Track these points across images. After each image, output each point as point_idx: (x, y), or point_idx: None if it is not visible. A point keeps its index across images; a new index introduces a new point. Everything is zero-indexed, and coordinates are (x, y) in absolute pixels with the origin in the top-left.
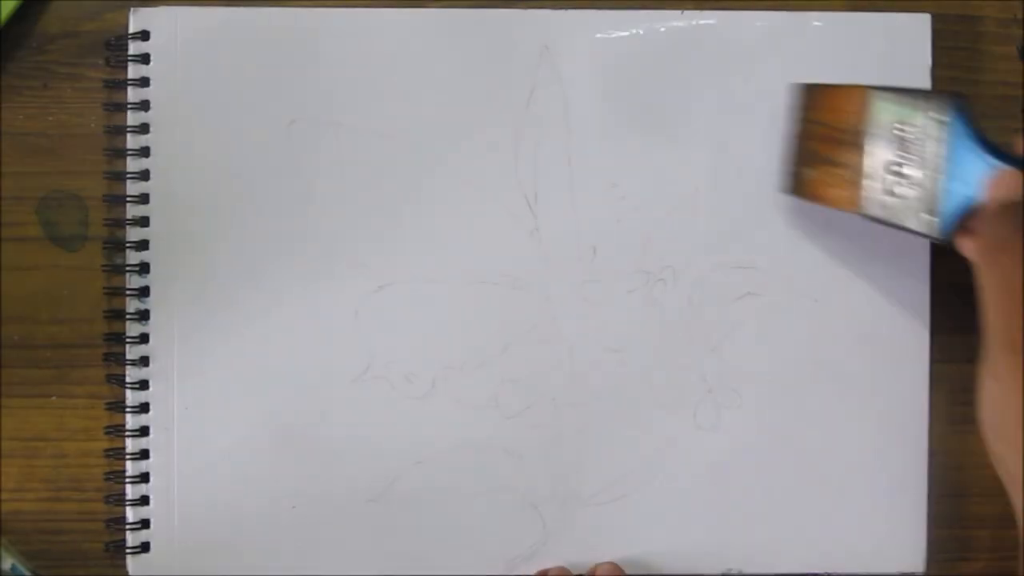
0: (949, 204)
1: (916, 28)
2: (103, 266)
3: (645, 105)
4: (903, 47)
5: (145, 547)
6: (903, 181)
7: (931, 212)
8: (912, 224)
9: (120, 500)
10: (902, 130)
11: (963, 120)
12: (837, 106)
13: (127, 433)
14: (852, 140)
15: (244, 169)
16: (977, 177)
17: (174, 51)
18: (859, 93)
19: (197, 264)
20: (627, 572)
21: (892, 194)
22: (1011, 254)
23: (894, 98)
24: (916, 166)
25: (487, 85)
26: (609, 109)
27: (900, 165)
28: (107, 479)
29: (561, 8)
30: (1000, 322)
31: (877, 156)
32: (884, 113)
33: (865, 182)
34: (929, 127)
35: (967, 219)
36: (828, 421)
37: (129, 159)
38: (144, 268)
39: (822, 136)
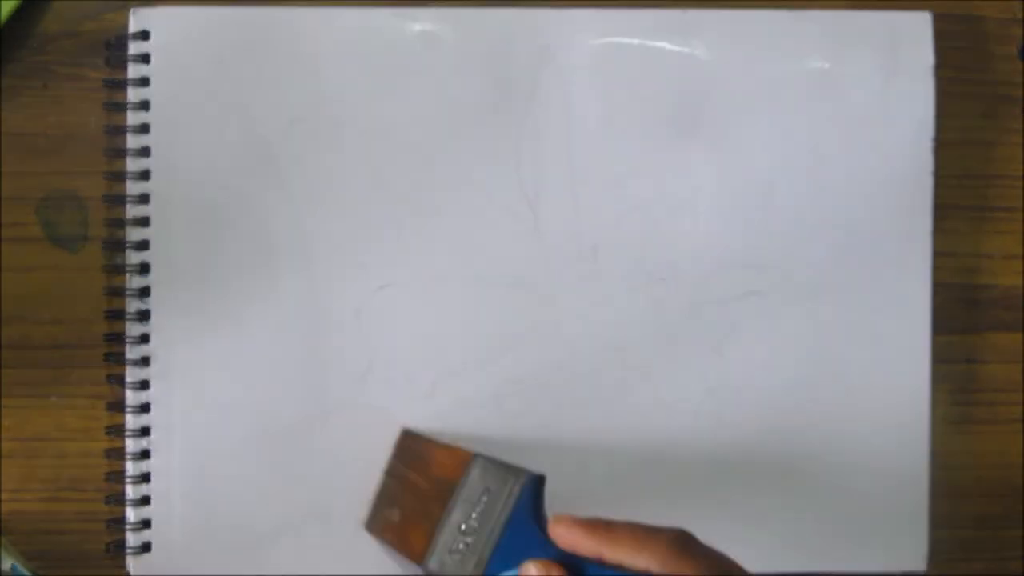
0: (492, 571)
1: (917, 27)
2: (103, 266)
3: (646, 105)
4: (904, 46)
5: (146, 547)
6: (466, 544)
7: None
8: None
9: (121, 500)
10: (487, 495)
11: (531, 495)
12: (437, 459)
13: (128, 433)
14: (440, 495)
15: (244, 169)
16: (523, 551)
17: (174, 51)
18: (462, 455)
19: (197, 264)
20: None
21: (452, 552)
22: None
23: (491, 467)
24: (480, 530)
25: (488, 85)
26: (610, 108)
27: (468, 528)
28: (107, 479)
29: (562, 8)
30: None
31: (455, 515)
32: (477, 478)
33: (437, 537)
34: (503, 498)
35: None
36: (828, 421)
37: (129, 159)
38: (144, 268)
39: (415, 485)
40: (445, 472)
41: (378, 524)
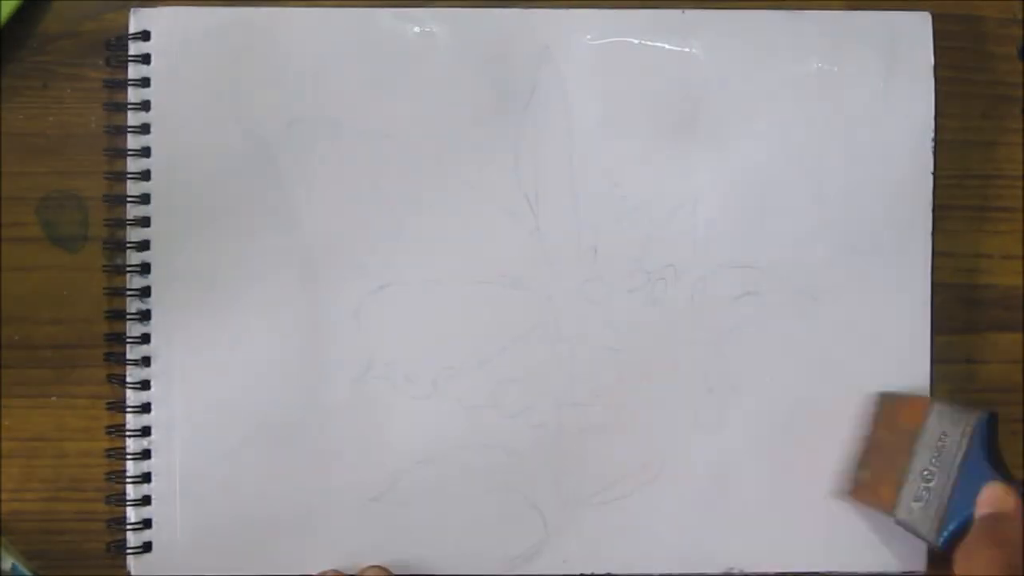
0: (951, 520)
1: (917, 27)
2: (104, 266)
3: (646, 104)
4: (904, 46)
5: (147, 547)
6: (927, 489)
7: (939, 526)
8: (924, 531)
9: (121, 500)
10: (943, 439)
11: (983, 436)
12: (902, 411)
13: (128, 433)
14: (904, 445)
15: (245, 169)
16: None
17: (175, 51)
18: (922, 402)
19: (198, 264)
20: (628, 571)
21: (917, 499)
22: (980, 561)
23: (946, 411)
24: (939, 476)
25: (488, 85)
26: (610, 108)
27: (930, 473)
28: (108, 479)
29: (562, 8)
30: None
31: (917, 462)
32: (935, 423)
33: (904, 486)
34: (958, 439)
35: (966, 531)
36: (828, 421)
37: (130, 159)
38: (145, 268)
39: (882, 441)
40: (907, 421)
41: (854, 487)
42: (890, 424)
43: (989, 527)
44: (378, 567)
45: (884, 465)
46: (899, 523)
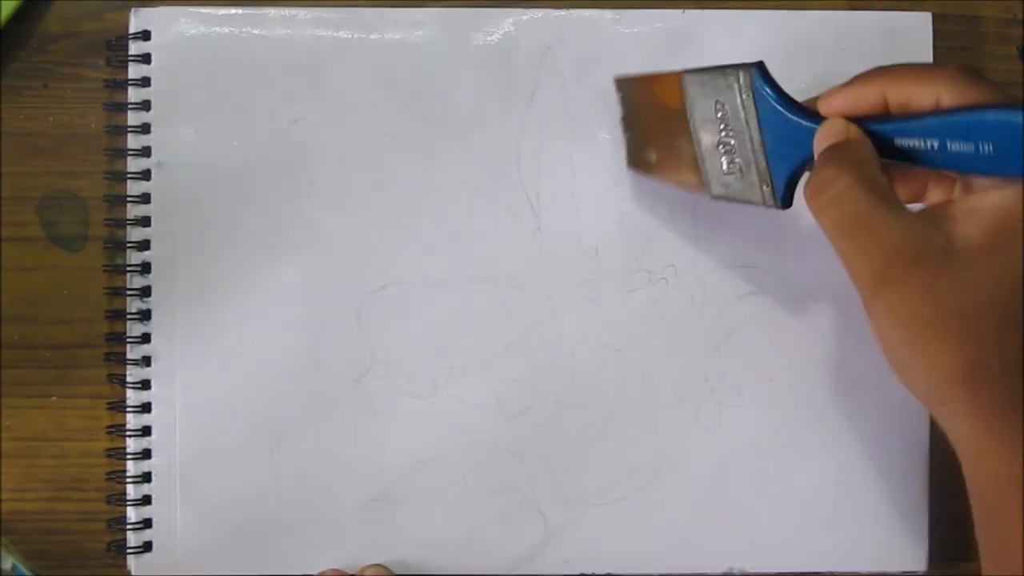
0: (779, 171)
1: (917, 27)
2: (104, 266)
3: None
4: (904, 46)
5: (147, 547)
6: (732, 161)
7: (767, 183)
8: (757, 198)
9: (122, 500)
10: (720, 108)
11: (763, 84)
12: (656, 91)
13: (129, 433)
14: (680, 126)
15: (245, 169)
16: (793, 139)
17: (175, 51)
18: (673, 79)
19: (199, 264)
20: (628, 571)
21: (728, 172)
22: (839, 188)
23: (704, 78)
24: (739, 141)
25: (489, 85)
26: (611, 108)
27: (727, 145)
28: (108, 479)
29: (563, 8)
30: (851, 261)
31: (705, 138)
32: (700, 96)
33: (703, 165)
34: (738, 101)
35: (797, 180)
36: (829, 421)
37: (130, 159)
38: (146, 268)
39: (652, 123)
40: (667, 101)
41: (642, 166)
42: (651, 105)
43: (838, 155)
44: (378, 566)
45: (668, 148)
46: (718, 198)
